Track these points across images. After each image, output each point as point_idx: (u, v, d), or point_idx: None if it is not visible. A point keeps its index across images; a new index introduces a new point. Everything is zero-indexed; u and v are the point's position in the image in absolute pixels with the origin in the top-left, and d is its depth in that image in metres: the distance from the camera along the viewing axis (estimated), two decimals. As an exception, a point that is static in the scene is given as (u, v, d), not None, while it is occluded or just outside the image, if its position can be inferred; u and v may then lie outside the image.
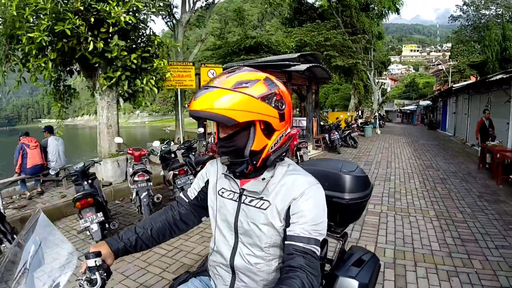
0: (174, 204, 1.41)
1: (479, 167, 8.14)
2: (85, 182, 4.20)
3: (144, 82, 6.33)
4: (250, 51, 11.74)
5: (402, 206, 5.12)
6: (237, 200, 1.21)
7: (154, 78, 6.45)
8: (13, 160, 5.62)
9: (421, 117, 34.65)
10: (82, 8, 5.21)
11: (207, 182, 1.34)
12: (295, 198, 1.11)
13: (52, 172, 5.03)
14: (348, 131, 12.42)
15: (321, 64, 11.07)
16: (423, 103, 33.26)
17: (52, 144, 6.10)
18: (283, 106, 1.13)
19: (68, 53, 5.70)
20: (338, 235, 1.68)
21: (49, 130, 6.35)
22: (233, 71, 1.12)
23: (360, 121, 18.93)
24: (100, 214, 3.76)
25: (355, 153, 11.10)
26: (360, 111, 24.31)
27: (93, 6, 5.34)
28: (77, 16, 5.23)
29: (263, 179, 1.16)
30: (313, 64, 9.93)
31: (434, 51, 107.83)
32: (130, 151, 5.25)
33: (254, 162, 1.14)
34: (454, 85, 19.52)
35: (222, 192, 1.26)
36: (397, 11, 21.30)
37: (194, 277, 1.39)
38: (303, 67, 9.18)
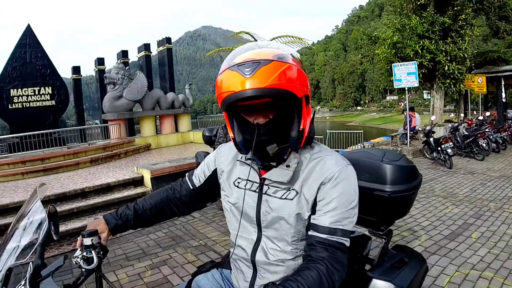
0: (176, 186, 1.39)
1: None
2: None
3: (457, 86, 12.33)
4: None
5: None
6: (257, 190, 1.15)
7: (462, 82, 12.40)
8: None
9: None
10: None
11: (214, 171, 1.32)
12: (324, 182, 1.06)
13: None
14: None
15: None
16: None
17: (417, 116, 12.19)
18: None
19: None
20: (381, 233, 1.62)
21: (412, 109, 12.28)
22: (255, 45, 1.07)
23: None
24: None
25: None
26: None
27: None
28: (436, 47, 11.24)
29: (288, 166, 1.09)
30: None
31: None
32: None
33: (298, 144, 1.07)
34: None
35: (238, 183, 1.21)
36: None
37: (216, 268, 1.39)
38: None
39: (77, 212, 5.85)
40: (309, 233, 1.07)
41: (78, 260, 1.12)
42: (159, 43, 17.43)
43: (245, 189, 1.17)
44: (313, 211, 1.08)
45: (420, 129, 11.80)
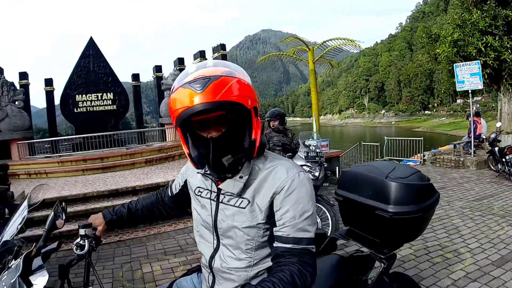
0: (162, 192, 1.56)
1: None
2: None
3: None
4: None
5: None
6: (215, 199, 1.21)
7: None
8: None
9: None
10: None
11: (185, 182, 1.42)
12: (276, 192, 1.09)
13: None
14: None
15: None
16: None
17: (483, 122, 11.23)
18: None
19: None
20: (383, 256, 1.48)
21: (477, 115, 11.26)
22: (205, 64, 1.12)
23: None
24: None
25: None
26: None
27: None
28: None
29: (241, 177, 1.14)
30: None
31: None
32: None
33: (251, 153, 1.12)
34: None
35: (200, 192, 1.28)
36: None
37: (197, 273, 1.46)
38: None
39: (127, 208, 6.38)
40: (274, 244, 1.10)
41: (73, 246, 1.33)
42: (214, 50, 17.79)
43: (208, 198, 1.25)
44: (272, 222, 1.12)
45: (485, 137, 10.86)
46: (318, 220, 4.17)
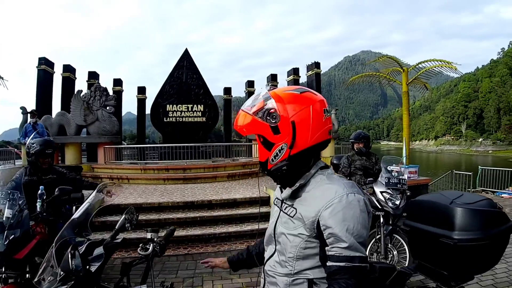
0: None
1: None
2: None
3: None
4: None
5: None
6: (280, 207, 1.32)
7: None
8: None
9: None
10: None
11: None
12: (321, 209, 1.13)
13: None
14: None
15: None
16: None
17: None
18: (276, 120, 1.17)
19: None
20: None
21: None
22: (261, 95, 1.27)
23: None
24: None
25: None
26: None
27: None
28: None
29: (296, 186, 1.24)
30: None
31: None
32: None
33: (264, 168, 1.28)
34: None
35: (276, 202, 1.38)
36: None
37: None
38: None
39: (200, 221, 6.27)
40: (328, 264, 1.11)
41: (139, 247, 1.52)
42: (309, 68, 18.11)
43: (277, 206, 1.36)
44: (323, 240, 1.13)
45: None
46: (395, 253, 4.11)
